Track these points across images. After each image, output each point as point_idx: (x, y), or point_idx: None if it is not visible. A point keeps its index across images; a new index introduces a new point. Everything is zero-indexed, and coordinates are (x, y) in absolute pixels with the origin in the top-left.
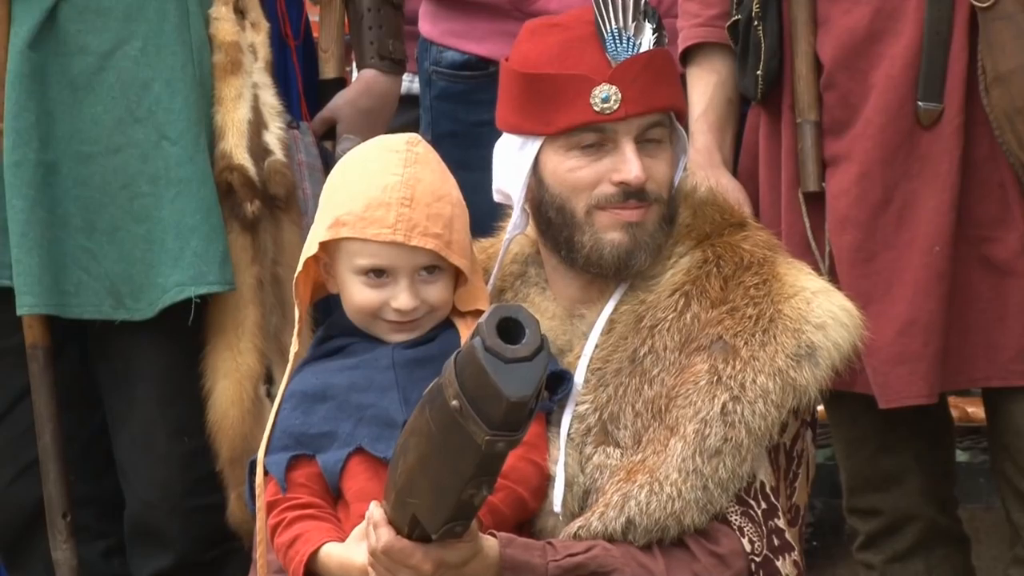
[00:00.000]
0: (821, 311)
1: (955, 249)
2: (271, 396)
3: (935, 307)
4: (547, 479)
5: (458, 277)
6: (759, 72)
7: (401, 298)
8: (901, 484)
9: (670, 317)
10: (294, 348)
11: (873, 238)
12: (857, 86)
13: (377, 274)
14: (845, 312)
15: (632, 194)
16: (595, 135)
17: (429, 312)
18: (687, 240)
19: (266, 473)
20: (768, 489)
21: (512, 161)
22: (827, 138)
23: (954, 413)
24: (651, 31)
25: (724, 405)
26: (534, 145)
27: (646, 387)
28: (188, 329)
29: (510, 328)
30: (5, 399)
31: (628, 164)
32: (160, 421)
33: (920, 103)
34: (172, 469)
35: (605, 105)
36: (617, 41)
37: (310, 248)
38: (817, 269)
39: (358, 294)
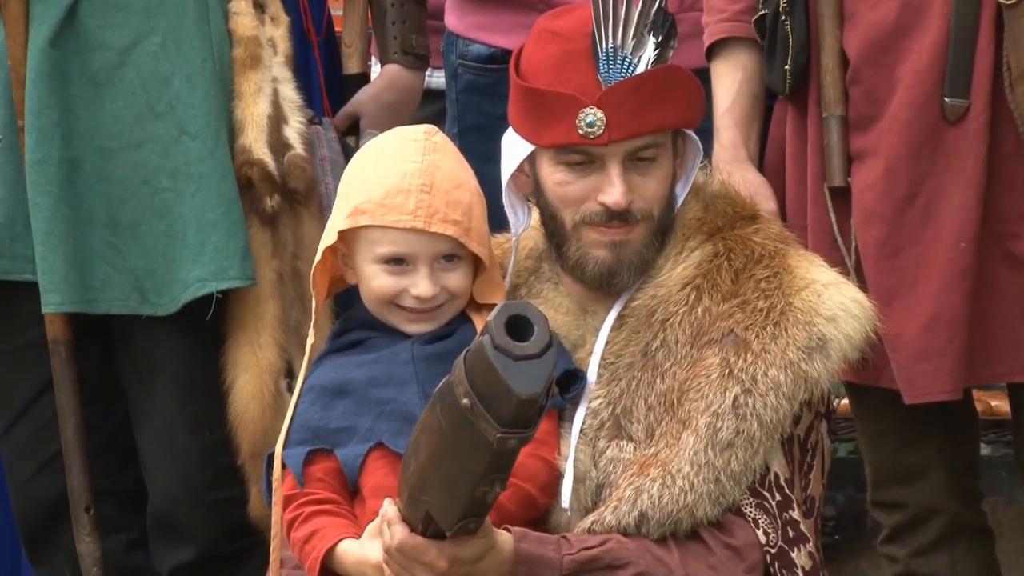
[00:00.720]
0: (832, 303)
1: (980, 245)
2: (292, 390)
3: (960, 303)
4: (557, 475)
5: (476, 268)
6: (787, 67)
7: (421, 285)
8: (925, 478)
9: (681, 311)
10: (311, 340)
11: (899, 233)
12: (883, 81)
13: (397, 262)
14: (856, 304)
15: (616, 215)
16: (581, 155)
17: (449, 299)
18: (698, 234)
19: (284, 467)
20: (782, 481)
21: (507, 155)
22: (853, 133)
23: (979, 407)
24: (653, 46)
25: (736, 398)
26: (526, 148)
27: (658, 381)
28: (208, 323)
29: (519, 325)
30: (28, 392)
31: (612, 187)
32: (180, 415)
33: (946, 99)
34: (192, 462)
35: (590, 130)
36: (610, 62)
37: (329, 237)
38: (843, 264)
39: (376, 282)
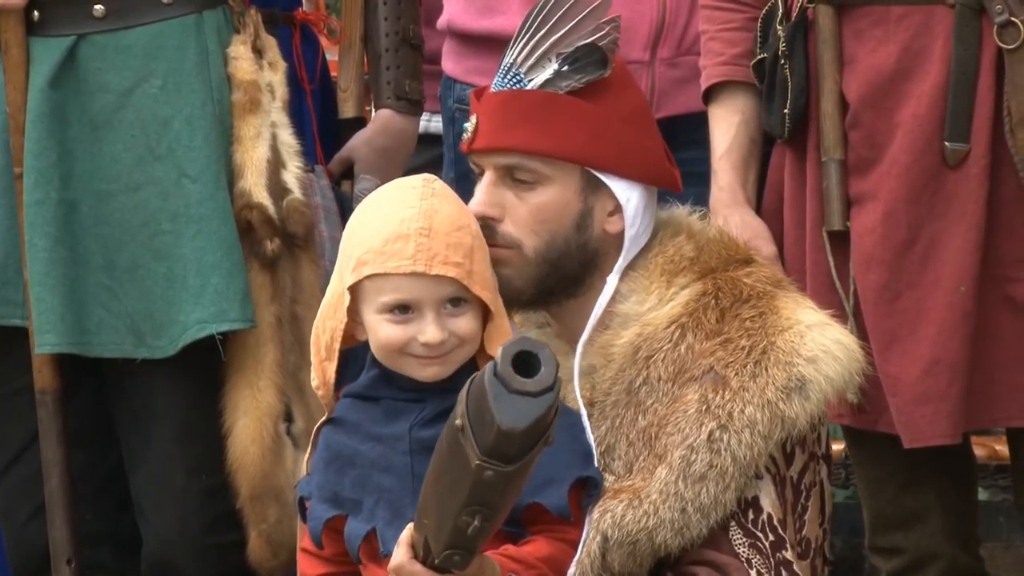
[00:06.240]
0: (813, 344)
1: (980, 289)
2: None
3: (959, 347)
4: None
5: (485, 316)
6: (786, 110)
7: (428, 331)
8: (924, 522)
9: (665, 348)
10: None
11: (898, 277)
12: (883, 125)
13: (402, 310)
14: (839, 345)
15: (486, 228)
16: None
17: (459, 345)
18: (689, 273)
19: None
20: (775, 522)
21: None
22: (852, 177)
23: (983, 451)
24: (551, 72)
25: (711, 433)
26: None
27: (640, 418)
28: (206, 366)
29: (528, 361)
30: (21, 438)
31: (474, 197)
32: (178, 458)
33: (947, 143)
34: (190, 506)
35: (466, 135)
36: (503, 74)
37: (343, 299)
38: (841, 308)
39: (383, 332)
